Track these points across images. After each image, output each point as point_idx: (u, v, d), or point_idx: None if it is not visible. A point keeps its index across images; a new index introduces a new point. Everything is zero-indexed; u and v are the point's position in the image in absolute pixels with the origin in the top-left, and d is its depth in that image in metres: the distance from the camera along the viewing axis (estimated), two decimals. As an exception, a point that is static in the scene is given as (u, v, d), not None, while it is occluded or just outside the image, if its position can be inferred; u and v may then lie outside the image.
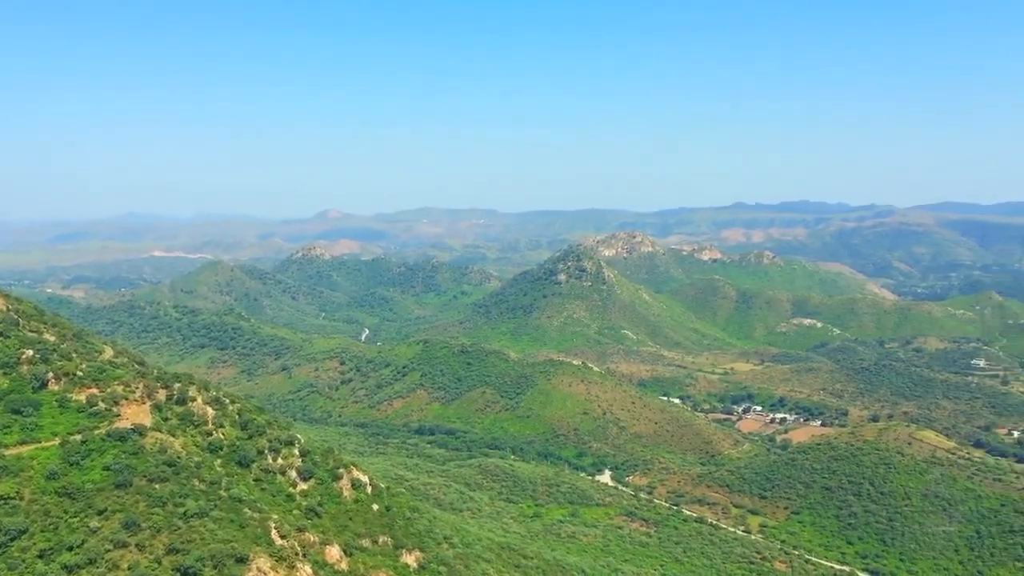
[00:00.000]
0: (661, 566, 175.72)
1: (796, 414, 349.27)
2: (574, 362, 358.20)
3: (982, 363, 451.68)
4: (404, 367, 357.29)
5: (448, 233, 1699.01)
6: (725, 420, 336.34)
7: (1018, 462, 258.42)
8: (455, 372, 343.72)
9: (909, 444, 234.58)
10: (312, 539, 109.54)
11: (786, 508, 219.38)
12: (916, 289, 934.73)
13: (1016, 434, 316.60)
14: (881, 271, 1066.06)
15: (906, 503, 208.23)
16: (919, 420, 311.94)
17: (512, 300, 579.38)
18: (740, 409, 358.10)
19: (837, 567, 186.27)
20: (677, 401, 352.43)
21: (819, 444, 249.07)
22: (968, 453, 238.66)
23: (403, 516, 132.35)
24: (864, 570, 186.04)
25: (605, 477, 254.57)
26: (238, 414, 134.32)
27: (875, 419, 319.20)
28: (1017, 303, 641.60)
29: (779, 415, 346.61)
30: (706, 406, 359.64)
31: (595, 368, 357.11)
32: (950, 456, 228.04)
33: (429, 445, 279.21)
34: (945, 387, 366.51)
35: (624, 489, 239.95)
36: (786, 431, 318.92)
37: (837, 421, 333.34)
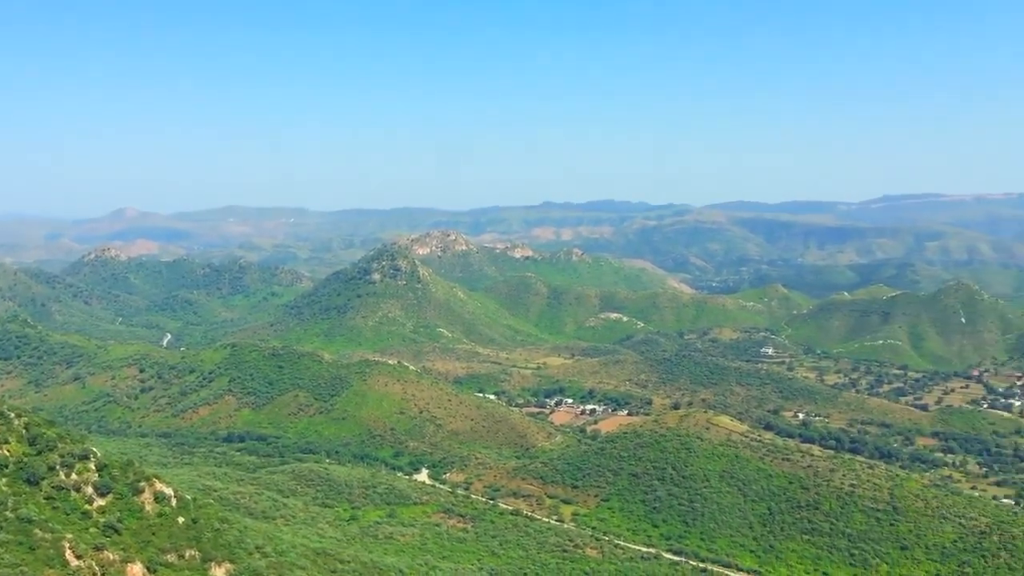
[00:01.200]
0: (478, 560, 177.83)
1: (605, 405, 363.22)
2: (390, 362, 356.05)
3: (770, 351, 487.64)
4: (211, 372, 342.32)
5: (256, 232, 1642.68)
6: (539, 413, 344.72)
7: (803, 442, 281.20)
8: (266, 376, 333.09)
9: (707, 429, 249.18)
10: (112, 558, 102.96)
11: (596, 496, 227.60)
12: (711, 283, 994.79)
13: (801, 416, 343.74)
14: (680, 266, 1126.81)
15: (705, 485, 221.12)
16: (716, 406, 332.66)
17: (325, 300, 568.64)
18: (553, 402, 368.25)
19: (644, 549, 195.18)
20: (493, 397, 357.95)
21: (626, 433, 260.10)
22: (759, 435, 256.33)
23: (211, 528, 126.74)
24: (668, 551, 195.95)
25: (423, 476, 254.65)
26: (25, 428, 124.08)
27: (676, 407, 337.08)
28: (800, 295, 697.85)
29: (589, 407, 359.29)
30: (521, 400, 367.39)
31: (411, 367, 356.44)
32: (744, 439, 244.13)
33: (239, 453, 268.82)
34: (738, 374, 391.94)
35: (442, 487, 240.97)
36: (595, 422, 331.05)
37: (642, 410, 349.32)
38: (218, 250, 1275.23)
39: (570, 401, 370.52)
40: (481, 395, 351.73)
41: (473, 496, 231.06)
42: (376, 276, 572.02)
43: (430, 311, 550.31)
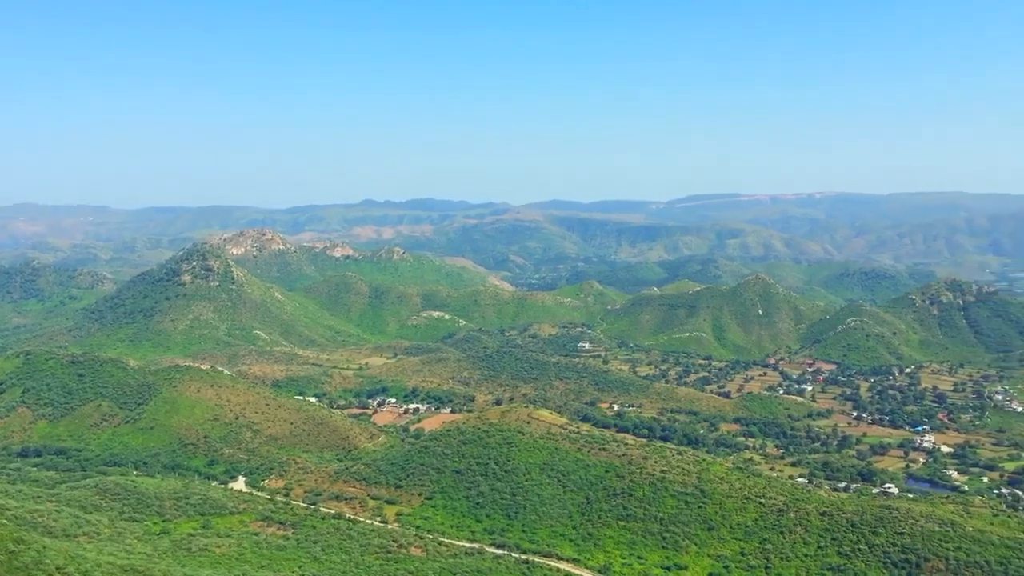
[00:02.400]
0: (299, 567, 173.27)
1: (428, 403, 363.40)
2: (202, 367, 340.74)
3: (587, 345, 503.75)
4: (1, 383, 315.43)
5: (51, 232, 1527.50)
6: (361, 414, 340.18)
7: (619, 431, 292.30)
8: (65, 385, 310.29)
9: (528, 423, 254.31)
10: None
11: (420, 494, 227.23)
12: (531, 280, 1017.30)
13: (616, 407, 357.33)
14: (500, 264, 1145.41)
15: (527, 478, 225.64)
16: (536, 400, 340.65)
17: (130, 304, 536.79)
18: (375, 403, 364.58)
19: (468, 545, 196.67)
20: (313, 399, 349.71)
21: (449, 430, 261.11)
22: (578, 427, 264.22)
23: (5, 550, 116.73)
24: (492, 544, 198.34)
25: (239, 484, 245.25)
26: None
27: (499, 402, 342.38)
28: (614, 291, 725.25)
29: (412, 406, 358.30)
30: (342, 402, 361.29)
31: (226, 372, 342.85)
32: (563, 431, 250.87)
33: (35, 468, 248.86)
34: (557, 369, 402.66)
35: (260, 494, 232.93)
36: (419, 420, 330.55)
37: (465, 407, 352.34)
38: (8, 251, 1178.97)
39: (393, 401, 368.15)
40: (301, 398, 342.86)
41: (293, 502, 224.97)
42: (186, 277, 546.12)
43: (246, 313, 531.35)
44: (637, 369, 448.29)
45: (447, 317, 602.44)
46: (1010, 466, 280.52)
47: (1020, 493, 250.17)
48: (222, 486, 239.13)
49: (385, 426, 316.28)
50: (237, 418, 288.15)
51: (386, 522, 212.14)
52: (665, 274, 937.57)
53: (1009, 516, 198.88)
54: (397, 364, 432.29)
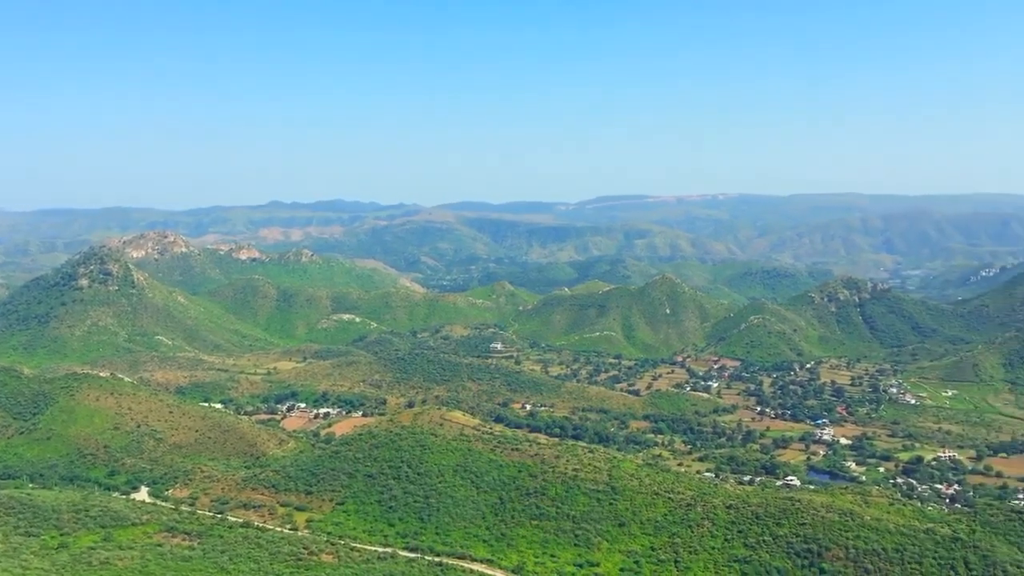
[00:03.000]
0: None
1: (339, 407, 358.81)
2: (101, 374, 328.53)
3: (499, 346, 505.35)
4: None
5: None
6: (270, 420, 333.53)
7: (531, 431, 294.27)
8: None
9: (441, 425, 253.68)
10: None
11: (331, 500, 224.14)
12: (442, 282, 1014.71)
13: (528, 407, 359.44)
14: (412, 266, 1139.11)
15: (440, 480, 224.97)
16: (449, 402, 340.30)
17: (23, 310, 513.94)
18: (284, 408, 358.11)
19: (381, 549, 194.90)
20: (219, 406, 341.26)
21: (361, 434, 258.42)
22: (491, 428, 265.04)
23: None
24: (405, 548, 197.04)
25: (142, 494, 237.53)
26: None
27: (411, 405, 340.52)
28: (525, 291, 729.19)
29: (323, 410, 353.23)
30: (250, 408, 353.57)
31: (126, 379, 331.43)
32: (476, 432, 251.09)
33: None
34: (470, 370, 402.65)
35: (164, 504, 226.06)
36: (329, 425, 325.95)
37: (377, 410, 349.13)
38: None
39: (303, 406, 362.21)
40: (206, 405, 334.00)
41: (199, 511, 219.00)
42: (84, 282, 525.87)
43: (147, 318, 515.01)
44: (549, 369, 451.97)
45: (358, 320, 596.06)
46: (904, 456, 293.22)
47: (914, 482, 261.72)
48: (124, 497, 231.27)
49: (295, 431, 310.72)
50: (139, 426, 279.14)
51: (296, 529, 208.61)
52: (575, 274, 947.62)
53: (904, 505, 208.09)
54: (307, 368, 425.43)
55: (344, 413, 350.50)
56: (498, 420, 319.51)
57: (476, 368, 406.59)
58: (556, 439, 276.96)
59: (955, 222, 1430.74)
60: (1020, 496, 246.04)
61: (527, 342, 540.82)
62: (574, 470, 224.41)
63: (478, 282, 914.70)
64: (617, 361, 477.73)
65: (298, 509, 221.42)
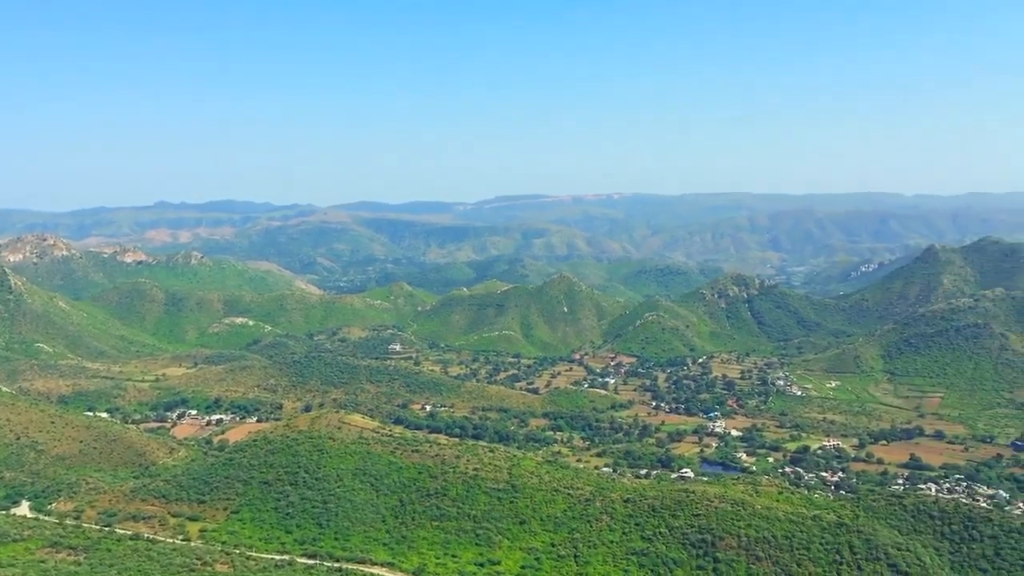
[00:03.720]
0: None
1: (232, 414, 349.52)
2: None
3: (398, 347, 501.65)
4: None
5: None
6: (159, 428, 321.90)
7: (431, 432, 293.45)
8: None
9: (339, 429, 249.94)
10: None
11: (226, 509, 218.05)
12: (339, 283, 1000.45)
13: (428, 408, 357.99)
14: (307, 267, 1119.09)
15: (339, 484, 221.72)
16: (347, 405, 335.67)
17: None
18: (175, 415, 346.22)
19: (278, 557, 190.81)
20: (105, 415, 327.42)
21: (256, 440, 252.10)
22: (390, 430, 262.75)
23: None
24: (303, 555, 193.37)
25: (23, 509, 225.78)
26: None
27: (308, 409, 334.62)
28: (424, 292, 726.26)
29: (215, 416, 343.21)
30: (138, 416, 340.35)
31: (4, 388, 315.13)
32: (375, 435, 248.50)
33: None
34: (368, 372, 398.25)
35: (47, 519, 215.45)
36: (223, 431, 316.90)
37: (273, 415, 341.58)
38: None
39: (194, 413, 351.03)
40: (91, 414, 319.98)
41: (85, 525, 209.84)
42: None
43: (25, 325, 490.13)
44: (448, 369, 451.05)
45: (251, 323, 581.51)
46: (792, 446, 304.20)
47: (801, 471, 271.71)
48: (3, 512, 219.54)
49: (186, 439, 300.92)
50: (18, 438, 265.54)
51: (189, 540, 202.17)
52: (474, 274, 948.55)
53: (792, 493, 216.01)
54: (198, 374, 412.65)
55: (238, 419, 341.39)
56: (398, 422, 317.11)
57: (375, 370, 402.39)
58: (456, 439, 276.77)
59: (837, 220, 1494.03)
60: (899, 481, 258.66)
61: (426, 343, 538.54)
62: (475, 470, 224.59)
63: (376, 283, 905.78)
64: (516, 360, 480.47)
65: (190, 519, 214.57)
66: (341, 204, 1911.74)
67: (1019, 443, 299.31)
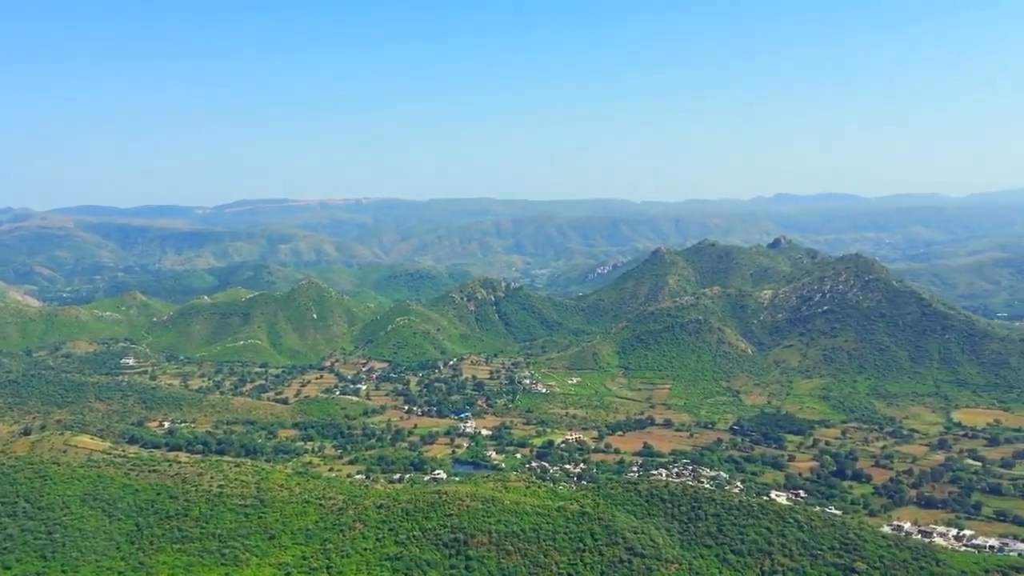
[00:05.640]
0: None
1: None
2: None
3: (131, 361, 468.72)
4: None
5: None
6: None
7: (171, 450, 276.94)
8: None
9: (64, 452, 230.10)
10: None
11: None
12: (62, 294, 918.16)
13: (167, 424, 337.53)
14: (24, 277, 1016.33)
15: (66, 513, 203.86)
16: (74, 426, 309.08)
17: None
18: None
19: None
20: None
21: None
22: (124, 450, 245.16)
23: None
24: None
25: None
26: None
27: (27, 432, 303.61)
28: (160, 301, 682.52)
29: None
30: None
31: None
32: (106, 456, 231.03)
33: None
34: (97, 389, 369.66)
35: None
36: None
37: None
38: None
39: None
40: None
41: None
42: None
43: None
44: (189, 382, 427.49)
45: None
46: (538, 441, 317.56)
47: (547, 465, 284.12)
48: None
49: None
50: None
51: None
52: (216, 282, 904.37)
53: (539, 487, 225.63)
54: None
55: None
56: (132, 441, 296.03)
57: (105, 387, 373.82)
58: (199, 456, 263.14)
59: (575, 225, 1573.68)
60: (634, 469, 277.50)
61: (163, 355, 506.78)
62: (219, 487, 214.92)
63: (104, 293, 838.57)
64: (264, 370, 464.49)
65: None
66: (62, 208, 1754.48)
67: (736, 427, 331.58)
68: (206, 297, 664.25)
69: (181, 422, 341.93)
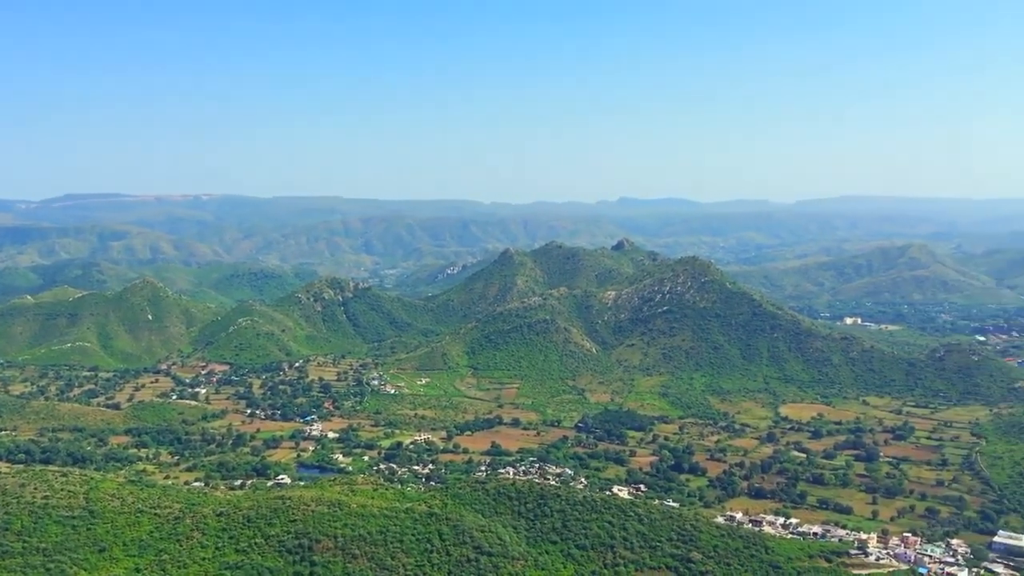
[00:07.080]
0: None
1: None
2: None
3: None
4: None
5: None
6: None
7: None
8: None
9: None
10: None
11: None
12: None
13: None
14: None
15: None
16: None
17: None
18: None
19: None
20: None
21: None
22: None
23: None
24: None
25: None
26: None
27: None
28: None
29: None
30: None
31: None
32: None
33: None
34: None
35: None
36: None
37: None
38: None
39: None
40: None
41: None
42: None
43: None
44: (10, 388, 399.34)
45: None
46: (386, 443, 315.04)
47: (395, 466, 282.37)
48: None
49: None
50: None
51: None
52: (41, 281, 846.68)
53: (387, 489, 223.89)
54: None
55: None
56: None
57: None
58: (21, 466, 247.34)
59: (424, 225, 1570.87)
60: (482, 468, 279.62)
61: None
62: (44, 498, 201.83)
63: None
64: (93, 374, 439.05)
65: None
66: None
67: (581, 425, 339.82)
68: (29, 297, 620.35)
69: (1, 430, 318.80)
